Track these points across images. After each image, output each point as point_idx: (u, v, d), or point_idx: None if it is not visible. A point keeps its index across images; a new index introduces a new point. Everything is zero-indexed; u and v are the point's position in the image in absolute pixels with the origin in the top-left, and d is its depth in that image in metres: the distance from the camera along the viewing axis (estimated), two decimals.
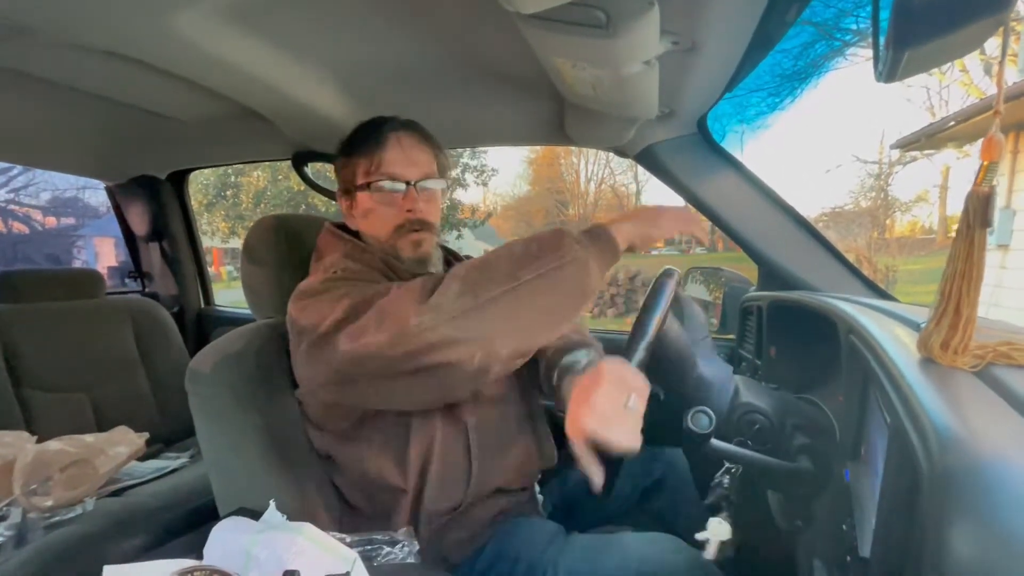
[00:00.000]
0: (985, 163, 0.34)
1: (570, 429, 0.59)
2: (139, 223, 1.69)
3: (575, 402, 0.60)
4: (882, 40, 0.38)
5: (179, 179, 1.70)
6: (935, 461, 0.24)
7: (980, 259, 0.37)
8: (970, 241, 0.36)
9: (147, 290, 1.83)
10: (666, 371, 0.70)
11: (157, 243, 1.75)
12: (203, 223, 10.12)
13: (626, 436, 0.56)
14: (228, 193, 10.10)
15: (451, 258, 0.94)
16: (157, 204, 1.65)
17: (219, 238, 10.64)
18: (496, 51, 0.88)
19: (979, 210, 0.34)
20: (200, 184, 9.86)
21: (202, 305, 1.83)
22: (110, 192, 1.69)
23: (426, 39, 0.88)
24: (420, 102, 0.88)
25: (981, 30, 0.32)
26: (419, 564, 0.71)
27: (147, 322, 1.54)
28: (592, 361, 0.78)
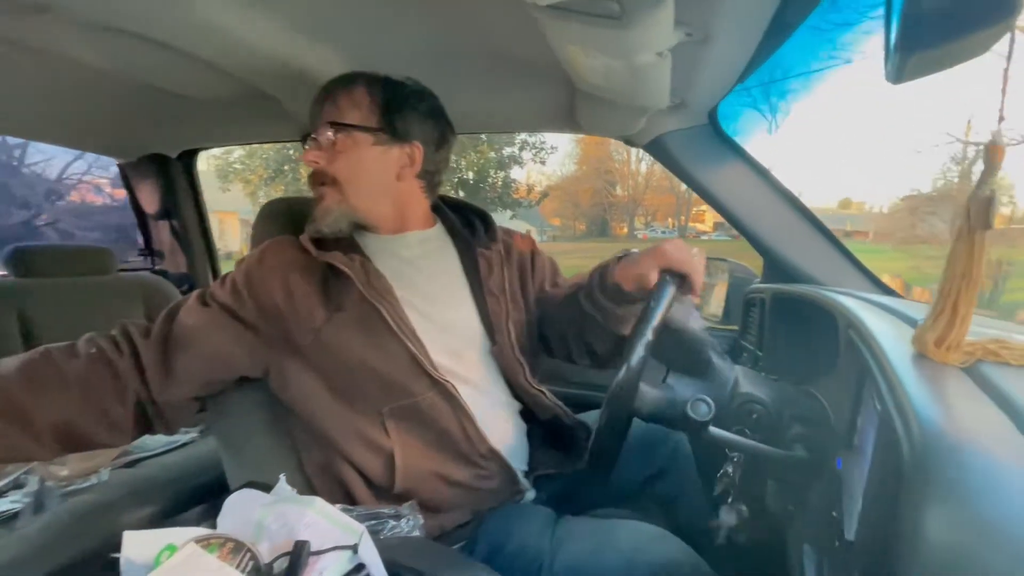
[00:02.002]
0: (987, 168, 0.35)
1: (647, 261, 0.73)
2: (149, 201, 1.71)
3: (647, 250, 0.75)
4: (891, 41, 0.39)
5: (189, 158, 1.71)
6: (916, 448, 0.25)
7: (980, 260, 0.38)
8: (971, 243, 0.37)
9: (157, 268, 1.85)
10: (677, 350, 0.71)
11: (167, 221, 1.77)
12: (262, 197, 10.00)
13: (692, 266, 0.70)
14: (286, 168, 9.97)
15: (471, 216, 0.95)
16: (167, 182, 1.67)
17: None
18: (508, 37, 0.88)
19: (980, 213, 0.35)
20: (260, 159, 9.74)
21: (211, 283, 1.85)
22: (121, 170, 1.70)
23: (438, 23, 0.88)
24: (430, 84, 0.88)
25: (989, 35, 0.32)
26: (423, 537, 0.74)
27: (157, 299, 1.57)
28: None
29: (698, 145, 1.06)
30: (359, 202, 0.82)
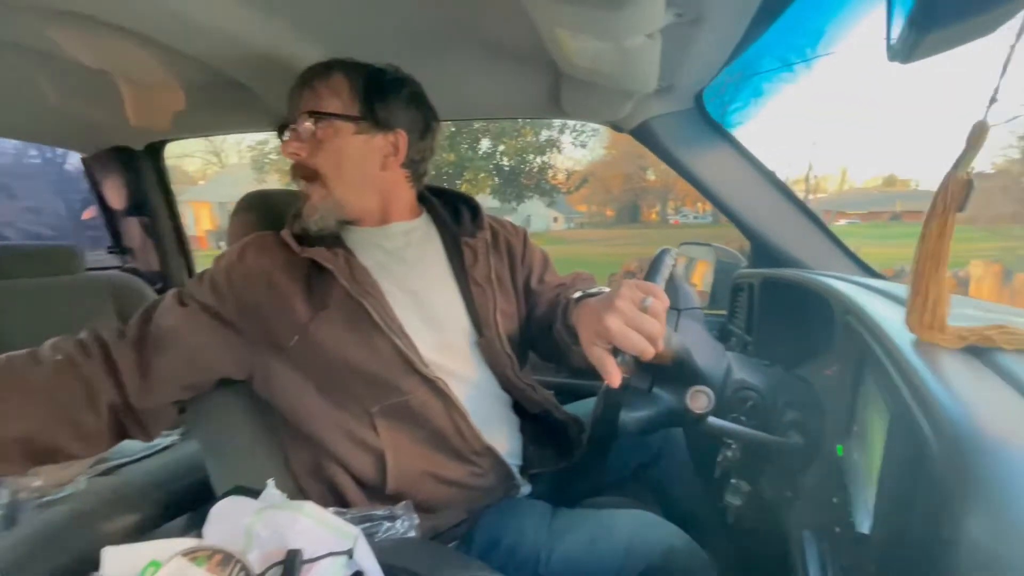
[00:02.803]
0: (967, 148, 0.34)
1: (592, 333, 0.60)
2: (116, 196, 1.63)
3: (596, 308, 0.61)
4: (892, 20, 0.37)
5: (156, 151, 1.63)
6: (948, 448, 0.25)
7: (948, 241, 0.38)
8: (942, 223, 0.37)
9: (127, 266, 1.78)
10: (663, 369, 0.70)
11: (136, 217, 1.69)
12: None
13: (645, 333, 0.56)
14: None
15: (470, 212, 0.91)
16: (134, 176, 1.59)
17: None
18: (492, 22, 0.85)
19: (956, 195, 0.35)
20: None
21: (186, 281, 1.79)
22: (85, 164, 1.62)
23: (420, 8, 0.84)
24: (412, 71, 0.85)
25: (1002, 12, 0.31)
26: (419, 538, 0.72)
27: (130, 298, 1.50)
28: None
29: (685, 129, 1.05)
30: (345, 195, 0.79)
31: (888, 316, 0.46)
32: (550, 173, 10.94)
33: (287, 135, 0.79)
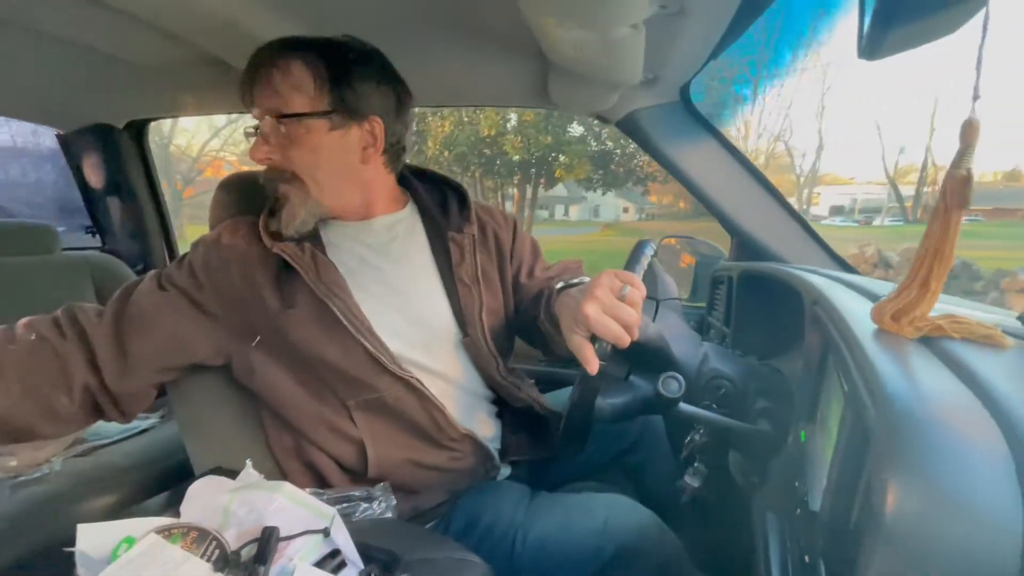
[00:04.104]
0: (963, 146, 0.35)
1: (572, 321, 0.61)
2: (94, 175, 1.59)
3: (576, 297, 0.62)
4: (864, 18, 0.38)
5: (138, 129, 1.60)
6: (883, 420, 0.26)
7: (953, 239, 0.39)
8: (946, 222, 0.38)
9: (107, 247, 1.75)
10: (640, 357, 0.72)
11: (116, 197, 1.66)
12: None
13: (621, 321, 0.57)
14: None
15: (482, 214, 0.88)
16: (114, 155, 1.56)
17: None
18: (480, 5, 0.85)
19: (957, 192, 0.36)
20: None
21: (168, 263, 1.77)
22: (61, 141, 1.58)
23: None
24: (397, 57, 0.84)
25: (965, 10, 0.32)
26: (396, 519, 0.73)
27: (109, 279, 1.48)
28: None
29: (670, 122, 1.05)
30: (324, 196, 0.75)
31: (853, 307, 0.47)
32: (644, 158, 9.67)
33: (256, 132, 0.74)
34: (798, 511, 0.48)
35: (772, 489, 0.59)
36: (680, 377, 0.64)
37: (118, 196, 1.65)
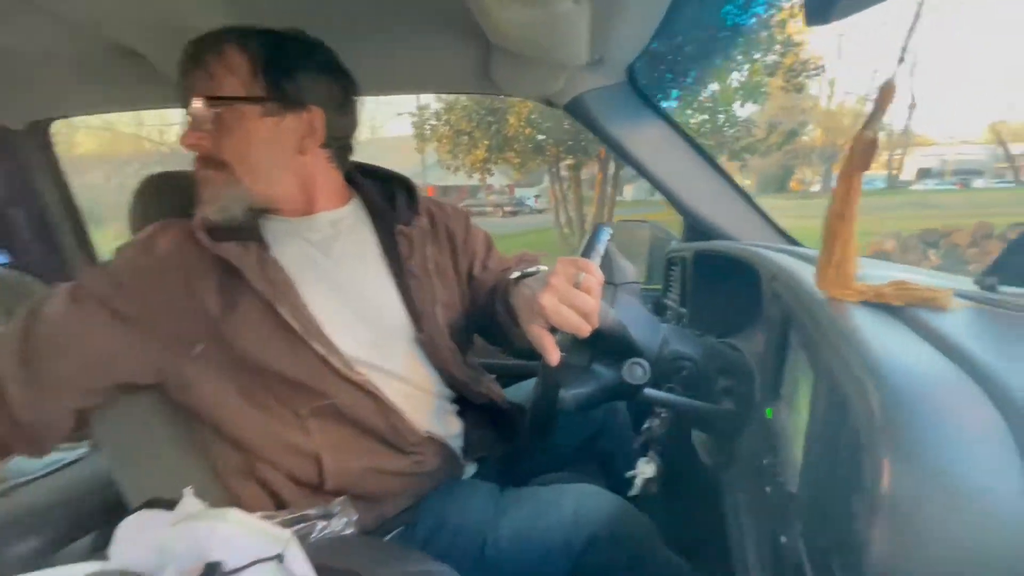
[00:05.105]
0: (876, 109, 0.35)
1: (529, 312, 0.60)
2: None
3: (532, 287, 0.62)
4: None
5: (41, 131, 1.44)
6: (868, 399, 0.25)
7: (855, 201, 0.39)
8: (847, 183, 0.38)
9: (14, 263, 1.58)
10: (601, 345, 0.70)
11: (22, 208, 1.50)
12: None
13: (579, 309, 0.56)
14: (488, 120, 8.19)
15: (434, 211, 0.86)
16: (14, 161, 1.40)
17: (463, 173, 9.03)
18: None
19: (862, 154, 0.36)
20: (460, 110, 8.25)
21: None
22: None
23: None
24: (329, 40, 0.78)
25: None
26: (357, 535, 0.69)
27: (19, 299, 1.33)
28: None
29: (618, 103, 1.04)
30: (254, 184, 0.71)
31: (808, 279, 0.47)
32: (744, 127, 7.83)
33: (186, 122, 0.70)
34: (768, 489, 0.48)
35: (740, 468, 0.59)
36: (644, 363, 0.62)
37: (23, 206, 1.49)
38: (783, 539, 0.39)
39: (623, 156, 1.06)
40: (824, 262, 0.40)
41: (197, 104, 0.67)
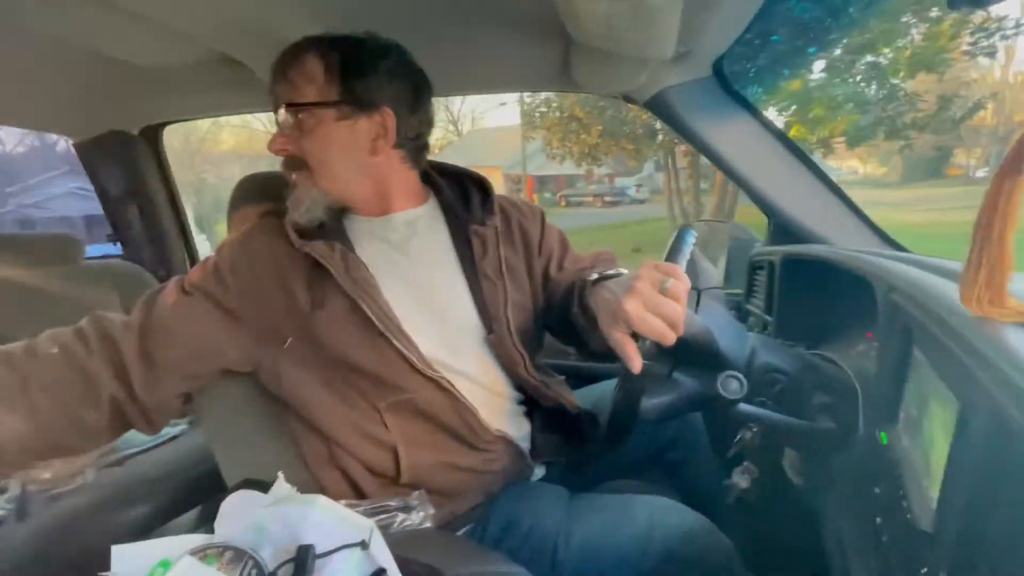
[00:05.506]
0: None
1: (611, 317, 0.58)
2: (112, 183, 1.59)
3: (615, 291, 0.59)
4: None
5: (153, 134, 1.59)
6: None
7: (1017, 204, 0.34)
8: (1001, 186, 0.33)
9: (129, 254, 1.75)
10: (685, 353, 0.67)
11: (136, 205, 1.66)
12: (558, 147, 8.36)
13: (665, 317, 0.53)
14: (601, 104, 7.90)
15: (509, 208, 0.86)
16: (131, 162, 1.55)
17: (570, 162, 9.02)
18: None
19: (1017, 156, 0.31)
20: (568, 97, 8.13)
21: (188, 268, 1.77)
22: (78, 149, 1.58)
23: None
24: (412, 44, 0.80)
25: None
26: (435, 529, 0.70)
27: (133, 287, 1.48)
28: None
29: (703, 99, 0.99)
30: (332, 185, 0.75)
31: (942, 293, 0.42)
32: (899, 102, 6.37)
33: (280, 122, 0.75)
34: (879, 520, 0.44)
35: (842, 493, 0.54)
36: (741, 376, 0.59)
37: (137, 203, 1.65)
38: None
39: (707, 153, 1.01)
40: (971, 276, 0.35)
41: (280, 111, 0.72)
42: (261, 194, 0.89)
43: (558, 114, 8.43)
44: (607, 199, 16.57)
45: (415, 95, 0.77)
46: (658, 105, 1.01)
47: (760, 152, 1.00)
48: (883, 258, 0.63)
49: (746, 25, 0.83)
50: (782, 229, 1.04)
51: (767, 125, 1.00)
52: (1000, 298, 0.35)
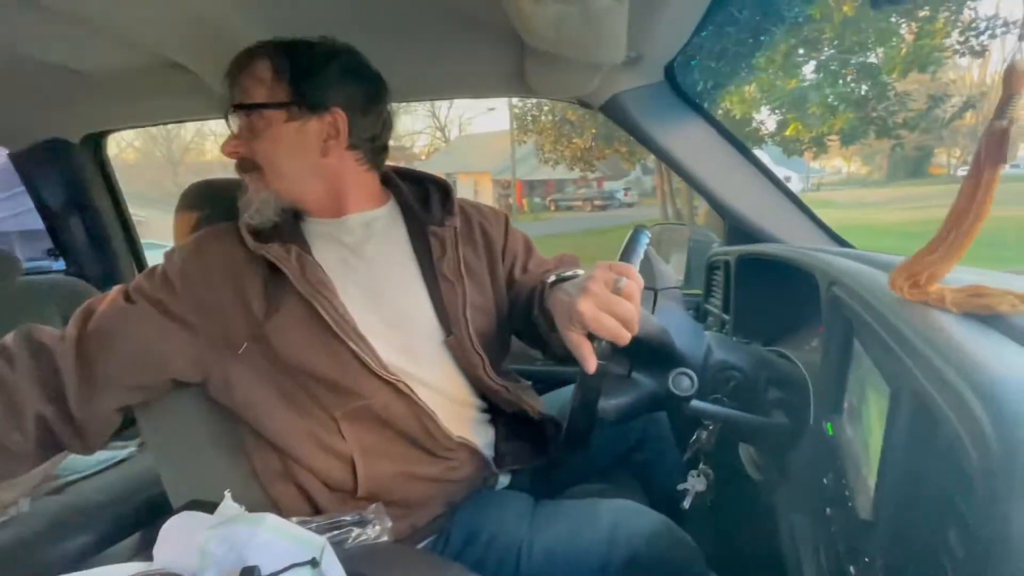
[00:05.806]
0: (1004, 95, 0.31)
1: (567, 318, 0.58)
2: (52, 194, 1.50)
3: (570, 292, 0.59)
4: None
5: (96, 143, 1.52)
6: (982, 428, 0.21)
7: (986, 198, 0.34)
8: (976, 179, 0.33)
9: (70, 270, 1.66)
10: (641, 352, 0.67)
11: (78, 216, 1.57)
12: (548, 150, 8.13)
13: (619, 316, 0.54)
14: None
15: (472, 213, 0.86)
16: (72, 172, 1.48)
17: (563, 166, 8.79)
18: None
19: (994, 146, 0.32)
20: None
21: None
22: (13, 159, 1.49)
23: None
24: (367, 49, 0.79)
25: None
26: (392, 543, 0.68)
27: (76, 304, 1.40)
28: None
29: (656, 103, 1.01)
30: (283, 186, 0.73)
31: (878, 284, 0.43)
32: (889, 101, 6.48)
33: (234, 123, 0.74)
34: (828, 511, 0.44)
35: (795, 486, 0.55)
36: (691, 373, 0.59)
37: (80, 215, 1.57)
38: (852, 569, 0.35)
39: (662, 157, 1.03)
40: (916, 259, 0.36)
41: (233, 115, 0.72)
42: (207, 200, 0.86)
43: (551, 117, 8.44)
44: (596, 203, 16.71)
45: (368, 97, 0.76)
46: (613, 109, 1.03)
47: (713, 155, 1.03)
48: (828, 254, 0.65)
49: (693, 28, 0.85)
50: (737, 230, 1.06)
51: (720, 129, 1.03)
52: (927, 282, 0.36)
